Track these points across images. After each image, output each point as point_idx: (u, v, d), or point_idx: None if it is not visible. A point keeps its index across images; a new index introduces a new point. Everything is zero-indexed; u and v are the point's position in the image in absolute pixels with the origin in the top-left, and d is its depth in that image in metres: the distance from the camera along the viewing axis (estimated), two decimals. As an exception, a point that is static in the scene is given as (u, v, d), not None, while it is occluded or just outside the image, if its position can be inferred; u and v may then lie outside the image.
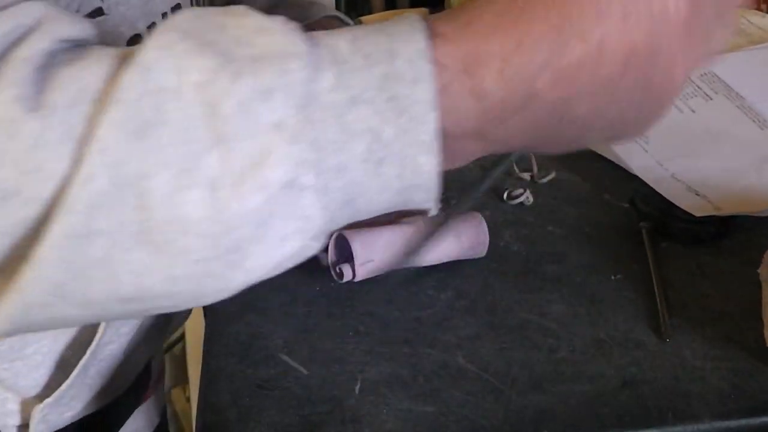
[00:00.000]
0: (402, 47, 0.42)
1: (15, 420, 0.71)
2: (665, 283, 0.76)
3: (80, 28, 0.44)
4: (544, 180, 0.94)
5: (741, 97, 1.01)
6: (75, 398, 0.72)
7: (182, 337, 1.72)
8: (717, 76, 1.04)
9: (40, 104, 0.40)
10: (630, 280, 0.76)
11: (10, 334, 0.46)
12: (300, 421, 0.59)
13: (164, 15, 0.66)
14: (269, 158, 0.41)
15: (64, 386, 0.69)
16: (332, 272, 0.73)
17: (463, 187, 0.61)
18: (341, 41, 0.43)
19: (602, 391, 0.64)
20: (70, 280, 0.42)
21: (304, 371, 0.64)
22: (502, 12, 0.42)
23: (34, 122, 0.40)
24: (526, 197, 0.89)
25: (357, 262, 0.70)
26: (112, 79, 0.41)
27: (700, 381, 0.65)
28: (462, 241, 0.75)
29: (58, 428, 0.73)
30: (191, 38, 0.41)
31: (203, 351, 0.66)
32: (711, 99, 1.00)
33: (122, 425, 0.90)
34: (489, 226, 0.80)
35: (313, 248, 0.44)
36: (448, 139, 0.43)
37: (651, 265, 0.77)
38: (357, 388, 0.62)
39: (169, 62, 0.41)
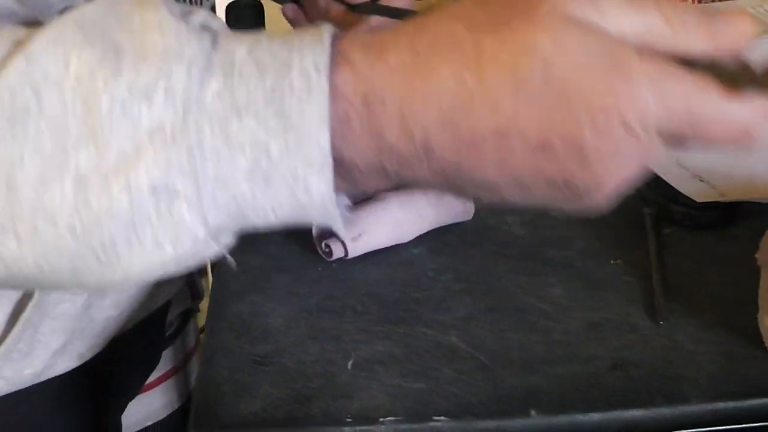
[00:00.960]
0: (299, 60, 0.40)
1: None
2: (665, 268, 0.77)
3: None
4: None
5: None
6: (29, 355, 0.73)
7: (202, 331, 1.75)
8: (731, 65, 1.04)
9: None
10: (630, 264, 0.77)
11: None
12: (292, 395, 0.61)
13: None
14: (140, 160, 0.39)
15: (8, 339, 0.70)
16: (319, 249, 0.74)
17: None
18: (240, 47, 0.41)
19: (593, 373, 0.65)
20: None
21: (299, 348, 0.65)
22: (421, 52, 0.40)
23: None
24: (534, 183, 0.90)
25: (347, 237, 0.72)
26: (5, 59, 0.41)
27: (692, 364, 0.66)
28: (444, 208, 0.77)
29: (23, 386, 0.74)
30: (85, 29, 0.40)
31: (206, 328, 0.68)
32: (723, 87, 1.00)
33: (125, 395, 0.91)
34: (493, 212, 0.82)
35: (210, 251, 0.43)
36: (349, 167, 0.41)
37: (651, 249, 0.78)
38: (350, 364, 0.64)
39: (57, 52, 0.40)
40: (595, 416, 0.62)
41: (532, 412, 0.61)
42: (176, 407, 1.02)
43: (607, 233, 0.82)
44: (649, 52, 0.39)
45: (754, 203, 0.84)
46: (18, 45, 0.40)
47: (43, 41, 0.40)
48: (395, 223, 0.75)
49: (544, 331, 0.68)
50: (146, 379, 0.96)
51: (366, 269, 0.74)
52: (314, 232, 0.75)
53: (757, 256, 0.74)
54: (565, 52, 0.38)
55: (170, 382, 1.01)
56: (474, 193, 0.43)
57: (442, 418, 0.60)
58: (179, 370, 1.02)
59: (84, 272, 0.42)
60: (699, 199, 0.83)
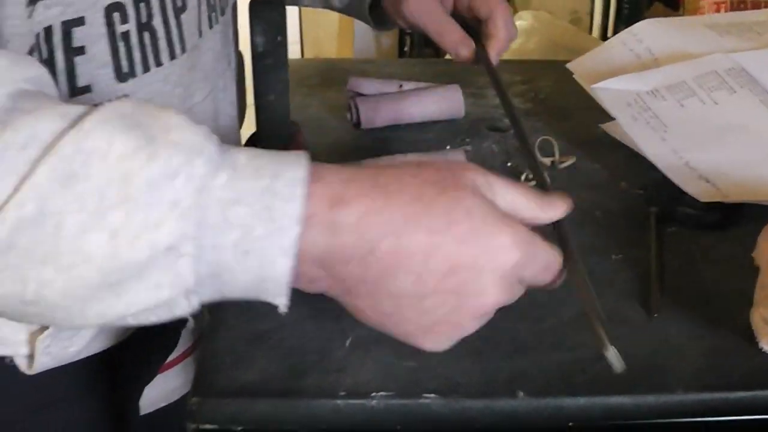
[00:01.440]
0: (287, 171, 0.53)
1: (24, 350, 0.77)
2: (665, 265, 0.78)
3: (35, 70, 0.56)
4: (564, 165, 0.97)
5: (766, 91, 1.02)
6: (76, 334, 0.78)
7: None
8: (745, 71, 1.05)
9: None
10: (630, 261, 0.79)
11: None
12: (287, 369, 0.64)
13: None
14: (161, 226, 0.51)
15: None
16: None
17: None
18: (242, 154, 0.54)
19: (579, 360, 0.67)
20: None
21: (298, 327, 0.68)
22: (381, 185, 0.54)
23: None
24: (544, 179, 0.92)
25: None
26: (59, 134, 0.52)
27: (679, 357, 0.68)
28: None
29: (64, 362, 0.79)
30: (126, 119, 0.52)
31: (210, 306, 0.71)
32: (735, 92, 1.01)
33: (147, 375, 0.95)
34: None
35: (181, 306, 0.55)
36: (301, 259, 0.53)
37: (652, 245, 0.80)
38: (347, 343, 0.67)
39: (104, 133, 0.52)
40: (580, 401, 0.64)
41: (520, 394, 0.63)
42: (188, 390, 1.06)
43: (611, 231, 0.84)
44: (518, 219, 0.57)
45: (757, 205, 0.85)
46: (72, 120, 0.52)
47: (93, 122, 0.52)
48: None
49: (536, 320, 0.70)
50: (165, 360, 0.99)
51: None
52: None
53: (753, 255, 0.76)
54: (473, 211, 0.54)
55: (183, 364, 1.04)
56: (372, 315, 0.57)
57: (432, 395, 0.63)
58: (191, 353, 1.05)
59: (95, 302, 0.53)
60: (703, 200, 0.85)
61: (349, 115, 1.07)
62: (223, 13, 0.84)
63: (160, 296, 0.53)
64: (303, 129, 0.96)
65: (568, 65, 1.14)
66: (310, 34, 2.72)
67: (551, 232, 0.61)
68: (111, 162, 0.51)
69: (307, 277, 0.56)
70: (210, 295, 0.55)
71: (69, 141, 0.51)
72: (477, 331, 0.68)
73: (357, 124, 1.06)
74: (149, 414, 1.02)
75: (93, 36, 0.68)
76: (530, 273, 0.57)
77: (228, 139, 0.85)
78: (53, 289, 0.53)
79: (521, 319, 0.70)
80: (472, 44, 0.89)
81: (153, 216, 0.51)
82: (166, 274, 0.53)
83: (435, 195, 0.54)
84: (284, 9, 0.90)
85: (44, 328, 0.76)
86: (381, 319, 0.57)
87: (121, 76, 0.71)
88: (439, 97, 1.08)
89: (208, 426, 0.62)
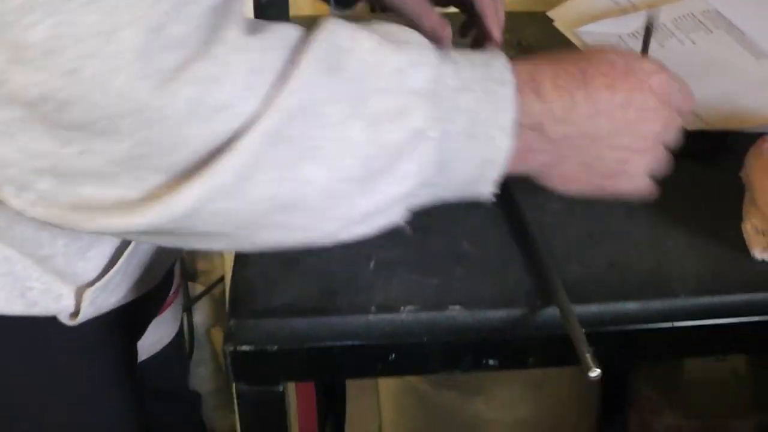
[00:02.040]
0: (494, 62, 0.62)
1: (70, 308, 0.80)
2: (658, 191, 0.83)
3: None
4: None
5: (741, 31, 1.07)
6: (119, 285, 0.82)
7: (222, 279, 1.81)
8: (720, 13, 1.10)
9: (261, 39, 0.53)
10: (625, 186, 0.84)
11: (186, 219, 0.54)
12: (319, 290, 0.68)
13: None
14: (412, 111, 0.57)
15: (111, 272, 0.79)
16: None
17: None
18: (453, 51, 0.61)
19: (590, 272, 0.71)
20: (252, 172, 0.53)
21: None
22: (553, 58, 0.66)
23: (256, 51, 0.53)
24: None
25: None
26: (306, 36, 0.55)
27: (681, 265, 0.72)
28: None
29: (103, 312, 0.82)
30: (354, 24, 0.58)
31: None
32: (711, 32, 1.06)
33: (149, 321, 0.99)
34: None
35: (418, 199, 0.62)
36: (519, 128, 0.61)
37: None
38: (371, 264, 0.71)
39: (348, 32, 0.56)
40: (592, 308, 0.69)
41: (537, 303, 0.68)
42: (170, 339, 1.10)
43: (604, 161, 0.89)
44: None
45: (741, 134, 0.90)
46: (314, 29, 0.56)
47: (332, 26, 0.56)
48: None
49: (545, 239, 0.75)
50: (162, 305, 1.03)
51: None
52: None
53: (741, 174, 0.81)
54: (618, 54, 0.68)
55: (165, 315, 1.08)
56: (582, 175, 0.68)
57: (457, 307, 0.67)
58: (171, 303, 1.09)
59: (344, 202, 0.57)
60: (690, 128, 0.90)
61: None
62: None
63: (403, 187, 0.58)
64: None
65: (549, 13, 1.19)
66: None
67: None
68: (361, 55, 0.56)
69: (523, 148, 0.63)
70: (429, 195, 0.62)
71: (322, 39, 0.55)
72: (492, 251, 0.73)
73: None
74: (142, 362, 1.06)
75: None
76: (675, 89, 0.71)
77: None
78: (314, 187, 0.55)
79: (532, 239, 0.75)
80: (448, 27, 0.90)
81: (404, 101, 0.56)
82: (414, 161, 0.58)
83: (590, 54, 0.68)
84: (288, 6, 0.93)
85: (92, 283, 0.80)
86: (585, 174, 0.67)
87: None
88: None
89: (245, 347, 0.66)
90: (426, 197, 0.62)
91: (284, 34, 0.55)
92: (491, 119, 0.60)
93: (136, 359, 0.98)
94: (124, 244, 0.80)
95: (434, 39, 0.79)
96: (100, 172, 0.52)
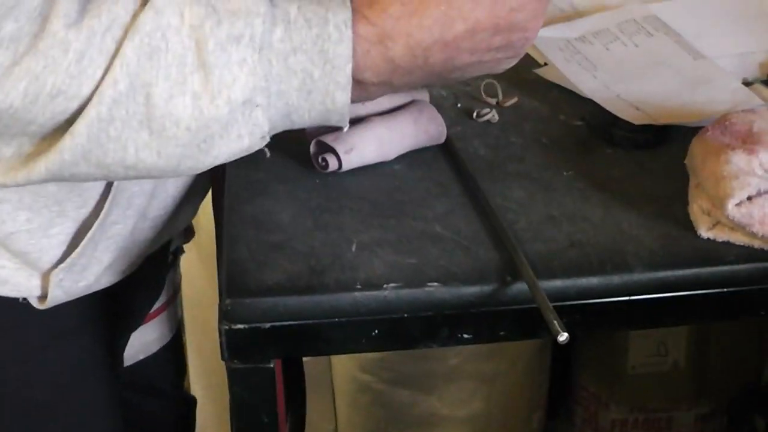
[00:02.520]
0: (333, 18, 0.63)
1: (37, 291, 0.84)
2: (610, 179, 0.90)
3: None
4: (508, 104, 1.07)
5: (678, 34, 1.15)
6: (87, 269, 0.86)
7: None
8: (659, 19, 1.18)
9: (84, 28, 0.60)
10: (580, 174, 0.90)
11: (45, 180, 0.66)
12: (307, 269, 0.73)
13: None
14: (235, 83, 0.62)
15: (74, 254, 0.83)
16: (315, 164, 0.86)
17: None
18: (291, 7, 0.64)
19: (553, 250, 0.77)
20: (94, 148, 0.63)
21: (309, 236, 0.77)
22: (408, 2, 0.65)
23: (80, 42, 0.59)
24: (492, 116, 1.02)
25: (341, 150, 0.83)
26: (135, 14, 0.60)
27: (635, 243, 0.79)
28: (421, 131, 0.90)
29: (72, 297, 0.86)
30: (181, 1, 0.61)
31: (224, 223, 0.79)
32: (652, 36, 1.14)
33: (135, 319, 1.03)
34: (461, 138, 0.94)
35: (260, 144, 0.67)
36: (367, 84, 0.67)
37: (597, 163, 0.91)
38: (353, 247, 0.76)
39: (175, 8, 0.61)
40: (557, 282, 0.75)
41: (507, 278, 0.74)
42: (167, 340, 1.13)
43: (559, 153, 0.95)
44: None
45: (682, 127, 0.97)
46: (143, 1, 0.61)
47: (159, 4, 0.60)
48: (380, 141, 0.87)
49: (510, 222, 0.81)
50: (151, 308, 1.06)
51: (356, 180, 0.86)
52: (311, 149, 0.86)
53: (686, 161, 0.88)
54: None
55: (162, 316, 1.11)
56: (451, 78, 0.72)
57: (435, 284, 0.73)
58: (169, 304, 1.13)
59: (186, 159, 0.64)
60: (636, 122, 0.97)
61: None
62: None
63: (241, 146, 0.65)
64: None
65: (499, 20, 1.25)
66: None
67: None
68: (185, 33, 0.61)
69: (376, 94, 0.69)
70: (282, 128, 0.67)
71: (148, 19, 0.60)
72: (463, 233, 0.78)
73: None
74: (130, 366, 1.09)
75: None
76: None
77: None
78: (150, 152, 0.63)
79: (498, 222, 0.81)
80: None
81: (226, 75, 0.61)
82: (245, 126, 0.63)
83: None
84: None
85: (58, 263, 0.83)
86: (455, 80, 0.73)
87: None
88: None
89: (240, 325, 0.70)
90: (282, 128, 0.68)
91: (115, 13, 0.60)
92: (326, 77, 0.64)
93: (120, 350, 1.01)
94: (86, 225, 0.84)
95: None
96: None
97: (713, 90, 1.06)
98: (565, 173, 0.90)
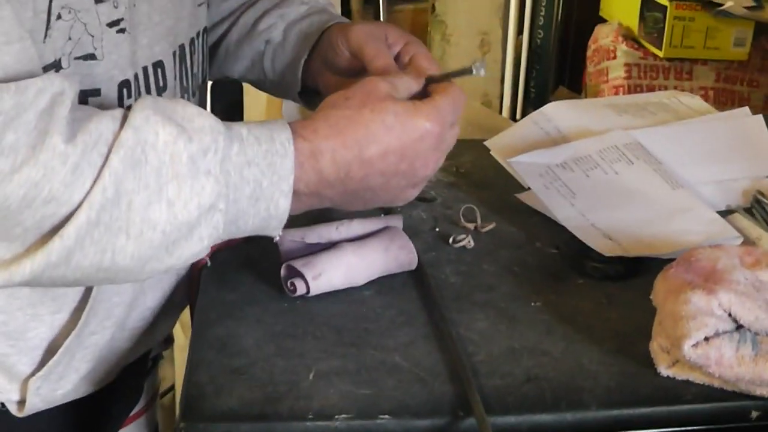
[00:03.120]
0: (277, 136, 0.73)
1: (16, 396, 0.86)
2: (577, 311, 0.91)
3: (77, 85, 0.72)
4: (486, 229, 1.09)
5: (659, 162, 1.17)
6: (64, 378, 0.88)
7: (172, 388, 1.86)
8: (641, 145, 1.20)
9: (79, 143, 0.67)
10: (547, 306, 0.92)
11: (25, 282, 0.70)
12: (263, 397, 0.74)
13: (145, 69, 0.85)
14: (203, 192, 0.70)
15: (51, 362, 0.86)
16: (285, 288, 0.88)
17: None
18: (242, 128, 0.73)
19: (510, 385, 0.79)
20: (77, 251, 0.68)
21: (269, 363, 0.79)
22: (334, 125, 0.76)
23: (76, 155, 0.67)
24: (468, 241, 1.04)
25: (309, 276, 0.86)
26: (117, 132, 0.69)
27: (592, 380, 0.80)
28: (391, 258, 0.91)
29: (53, 405, 0.88)
30: (159, 114, 0.70)
31: (189, 346, 0.81)
32: (632, 163, 1.16)
33: (114, 426, 1.04)
34: (433, 264, 0.96)
35: (207, 250, 0.74)
36: (300, 194, 0.75)
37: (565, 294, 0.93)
38: (311, 375, 0.78)
39: (151, 127, 0.69)
40: (510, 419, 0.76)
41: (460, 414, 0.75)
42: None
43: (529, 282, 0.97)
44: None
45: (654, 258, 0.99)
46: (123, 121, 0.69)
47: (139, 120, 0.69)
48: (349, 267, 0.89)
49: (471, 354, 0.82)
50: (129, 413, 1.08)
51: (324, 305, 0.88)
52: (282, 272, 0.89)
53: (651, 297, 0.89)
54: (396, 114, 0.77)
55: (140, 420, 1.13)
56: (364, 199, 0.80)
57: (386, 416, 0.74)
58: (148, 409, 1.14)
59: (153, 261, 0.71)
60: (607, 254, 0.99)
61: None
62: (194, 95, 0.96)
63: (201, 247, 0.72)
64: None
65: (486, 143, 1.28)
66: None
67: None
68: (161, 148, 0.69)
69: (304, 205, 0.77)
70: (226, 236, 0.74)
71: (129, 136, 0.68)
72: (422, 364, 0.80)
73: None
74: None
75: (105, 107, 0.77)
76: (450, 136, 0.82)
77: None
78: (125, 255, 0.70)
79: (459, 353, 0.82)
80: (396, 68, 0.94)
81: (197, 184, 0.69)
82: (206, 229, 0.71)
83: (369, 114, 0.76)
84: (242, 89, 1.02)
85: (35, 371, 0.86)
86: (366, 204, 0.81)
87: None
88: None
89: (194, 450, 0.72)
90: (223, 238, 0.74)
91: (100, 131, 0.68)
92: (273, 186, 0.72)
93: None
94: (63, 333, 0.87)
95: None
96: None
97: (689, 221, 1.07)
98: (532, 304, 0.92)
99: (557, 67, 2.68)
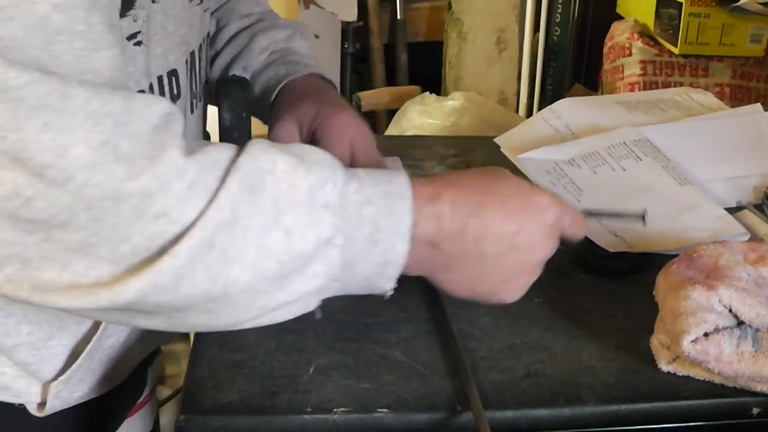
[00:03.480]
0: (395, 179, 0.71)
1: (36, 398, 0.87)
2: (580, 307, 0.91)
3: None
4: (493, 225, 1.10)
5: (667, 159, 1.17)
6: (82, 380, 0.89)
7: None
8: (650, 142, 1.20)
9: (198, 160, 0.64)
10: (550, 302, 0.92)
11: (130, 304, 0.65)
12: (262, 390, 0.75)
13: (159, 78, 0.84)
14: (322, 223, 0.67)
15: (74, 366, 0.86)
16: None
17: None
18: (359, 170, 0.71)
19: (509, 380, 0.79)
20: (188, 273, 0.64)
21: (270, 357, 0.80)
22: (455, 180, 0.75)
23: (194, 172, 0.64)
24: (474, 237, 1.05)
25: None
26: (234, 158, 0.66)
27: (591, 376, 0.80)
28: None
29: (68, 406, 0.89)
30: (276, 147, 0.68)
31: (193, 341, 0.82)
32: (641, 160, 1.16)
33: (120, 419, 1.05)
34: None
35: (328, 292, 0.71)
36: (415, 241, 0.71)
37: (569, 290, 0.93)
38: (311, 369, 0.78)
39: (268, 155, 0.67)
40: (508, 414, 0.76)
41: (458, 408, 0.75)
42: (151, 429, 1.16)
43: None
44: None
45: (658, 254, 0.99)
46: (238, 150, 0.67)
47: (257, 149, 0.67)
48: None
49: (472, 350, 0.83)
50: (134, 405, 1.09)
51: (326, 300, 0.88)
52: None
53: (654, 294, 0.90)
54: (519, 186, 0.77)
55: (142, 411, 1.14)
56: (469, 279, 0.76)
57: (385, 410, 0.74)
58: (151, 397, 1.16)
59: (263, 294, 0.67)
60: (611, 250, 0.99)
61: None
62: (201, 100, 0.97)
63: (314, 284, 0.69)
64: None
65: (496, 139, 1.29)
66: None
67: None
68: (279, 176, 0.66)
69: (418, 257, 0.72)
70: (337, 289, 0.71)
71: (247, 161, 0.66)
72: (422, 359, 0.81)
73: None
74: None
75: None
76: (567, 223, 0.78)
77: None
78: (238, 285, 0.66)
79: (457, 350, 0.82)
80: None
81: (314, 215, 0.67)
82: (322, 264, 0.68)
83: (493, 180, 0.76)
84: (250, 87, 1.03)
85: (57, 376, 0.87)
86: (471, 284, 0.76)
87: None
88: None
89: (194, 442, 0.73)
90: (334, 290, 0.72)
91: (217, 155, 0.66)
92: (391, 228, 0.69)
93: None
94: (85, 339, 0.88)
95: None
96: (57, 259, 0.63)
97: (695, 217, 1.07)
98: (535, 300, 0.92)
99: (574, 64, 2.68)
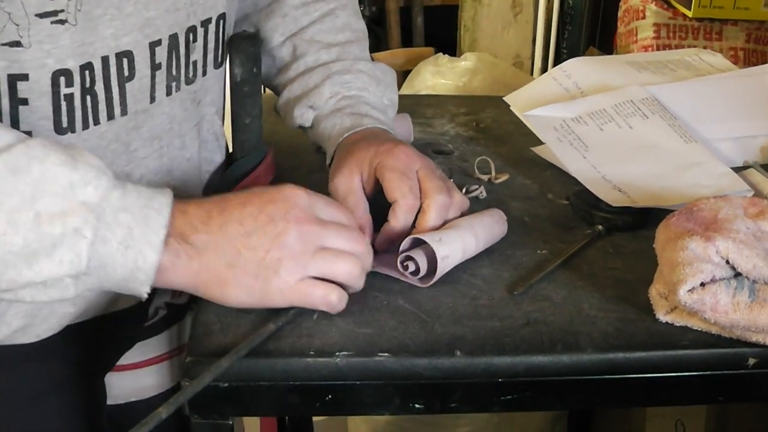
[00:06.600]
0: (158, 197, 0.76)
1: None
2: (583, 260, 0.93)
3: None
4: (499, 181, 1.11)
5: (674, 117, 1.18)
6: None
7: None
8: (657, 101, 1.21)
9: None
10: (553, 254, 0.93)
11: None
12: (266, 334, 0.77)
13: (105, 58, 0.85)
14: (73, 214, 0.72)
15: None
16: (399, 267, 0.86)
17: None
18: (128, 184, 0.76)
19: (508, 327, 0.81)
20: None
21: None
22: (213, 215, 0.78)
23: None
24: (480, 192, 1.06)
25: (439, 257, 0.85)
26: (13, 144, 0.73)
27: (590, 324, 0.82)
28: (498, 232, 0.95)
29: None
30: (57, 144, 0.74)
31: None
32: (647, 118, 1.17)
33: (115, 355, 1.08)
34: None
35: (70, 289, 0.75)
36: (169, 246, 0.76)
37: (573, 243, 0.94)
38: (315, 315, 0.80)
39: (44, 148, 0.73)
40: (506, 359, 0.78)
41: (457, 353, 0.77)
42: (164, 390, 1.17)
43: (538, 231, 0.98)
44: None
45: (661, 210, 1.00)
46: (19, 139, 0.74)
47: (36, 141, 0.74)
48: (466, 246, 0.89)
49: (473, 298, 0.84)
50: (135, 335, 1.10)
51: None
52: (400, 258, 0.87)
53: (654, 246, 0.91)
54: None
55: (162, 365, 1.15)
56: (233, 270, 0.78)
57: (385, 354, 0.76)
58: (173, 357, 1.17)
59: (10, 268, 0.72)
60: (615, 205, 1.00)
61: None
62: (188, 83, 0.95)
63: (60, 270, 0.73)
64: (272, 149, 1.10)
65: (505, 98, 1.29)
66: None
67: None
68: (47, 166, 0.72)
69: (172, 256, 0.76)
70: (92, 283, 0.75)
71: (20, 148, 0.73)
72: (423, 307, 0.82)
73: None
74: (120, 405, 1.13)
75: (36, 92, 0.82)
76: (322, 205, 0.82)
77: (180, 189, 0.97)
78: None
79: (462, 296, 0.84)
80: (370, 227, 0.93)
81: (69, 207, 0.72)
82: (68, 252, 0.72)
83: (248, 194, 0.81)
84: (260, 43, 1.04)
85: None
86: (234, 273, 0.77)
87: (61, 130, 0.85)
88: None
89: (199, 383, 0.75)
90: (91, 284, 0.75)
91: None
92: (143, 236, 0.74)
93: (99, 394, 1.06)
94: None
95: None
96: None
97: (700, 174, 1.08)
98: (539, 252, 0.94)
99: (589, 27, 2.67)
